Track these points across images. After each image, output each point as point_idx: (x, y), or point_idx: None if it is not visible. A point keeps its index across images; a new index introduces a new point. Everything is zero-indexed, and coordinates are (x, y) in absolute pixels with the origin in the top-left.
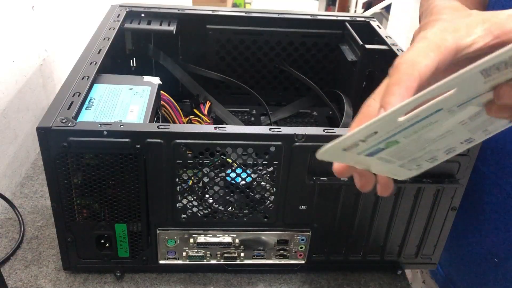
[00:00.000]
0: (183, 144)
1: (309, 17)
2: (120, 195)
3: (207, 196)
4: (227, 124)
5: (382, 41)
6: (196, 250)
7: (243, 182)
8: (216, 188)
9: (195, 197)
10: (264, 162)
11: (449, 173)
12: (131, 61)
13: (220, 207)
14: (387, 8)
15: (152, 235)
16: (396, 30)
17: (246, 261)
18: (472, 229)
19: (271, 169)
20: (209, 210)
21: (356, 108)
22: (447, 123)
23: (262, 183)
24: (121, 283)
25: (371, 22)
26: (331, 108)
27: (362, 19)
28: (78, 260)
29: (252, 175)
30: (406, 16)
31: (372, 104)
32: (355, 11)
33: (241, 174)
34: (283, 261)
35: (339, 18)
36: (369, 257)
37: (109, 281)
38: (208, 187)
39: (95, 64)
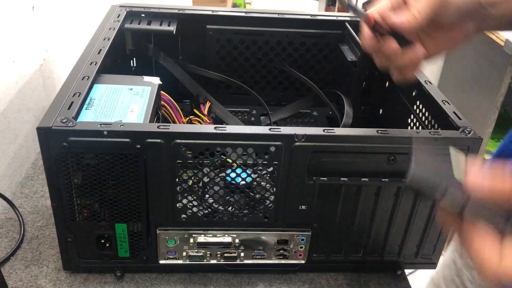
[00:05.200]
0: (183, 144)
1: (309, 17)
2: (120, 195)
3: (207, 196)
4: (227, 124)
5: None
6: (196, 250)
7: (243, 182)
8: (216, 188)
9: (195, 197)
10: (264, 162)
11: None
12: (131, 61)
13: (220, 207)
14: None
15: (152, 235)
16: None
17: (246, 261)
18: None
19: (271, 169)
20: (209, 210)
21: (356, 108)
22: None
23: (262, 183)
24: (121, 283)
25: None
26: (331, 108)
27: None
28: (78, 260)
29: (252, 175)
30: None
31: None
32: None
33: (241, 174)
34: (283, 261)
35: (339, 18)
36: (369, 257)
37: (109, 281)
38: (208, 187)
39: (95, 64)
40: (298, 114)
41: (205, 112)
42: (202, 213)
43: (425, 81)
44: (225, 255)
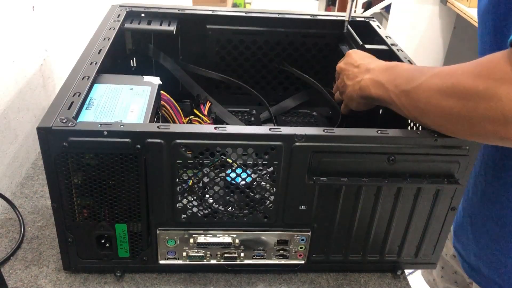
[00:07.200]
0: (183, 144)
1: (309, 17)
2: (120, 195)
3: (207, 196)
4: (227, 124)
5: (382, 41)
6: (196, 250)
7: (243, 182)
8: (216, 188)
9: (195, 197)
10: (264, 162)
11: (448, 173)
12: (131, 61)
13: (220, 207)
14: (387, 8)
15: (152, 235)
16: (396, 30)
17: (246, 261)
18: None
19: (271, 169)
20: (209, 210)
21: None
22: None
23: (262, 183)
24: (121, 283)
25: (371, 22)
26: (332, 106)
27: (362, 19)
28: (78, 260)
29: (252, 175)
30: (406, 16)
31: None
32: (355, 11)
33: (241, 174)
34: (283, 261)
35: (339, 18)
36: (369, 257)
37: (109, 281)
38: (208, 187)
39: (95, 64)
40: (298, 114)
41: (205, 112)
42: (202, 213)
43: None
44: (225, 255)
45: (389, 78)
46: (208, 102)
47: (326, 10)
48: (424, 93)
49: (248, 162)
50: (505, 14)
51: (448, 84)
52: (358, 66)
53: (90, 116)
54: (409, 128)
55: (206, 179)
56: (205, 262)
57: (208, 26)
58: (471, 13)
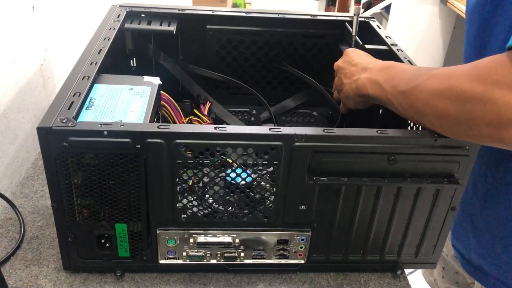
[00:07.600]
0: (183, 144)
1: (309, 17)
2: (120, 195)
3: (207, 196)
4: (227, 124)
5: (382, 41)
6: (196, 250)
7: (243, 182)
8: (216, 188)
9: (195, 197)
10: (264, 162)
11: (448, 173)
12: (131, 61)
13: (220, 207)
14: (387, 8)
15: (152, 235)
16: (396, 30)
17: (246, 261)
18: None
19: (271, 169)
20: (209, 210)
21: None
22: None
23: (262, 183)
24: (121, 283)
25: (371, 22)
26: (332, 106)
27: (362, 19)
28: (78, 260)
29: (252, 175)
30: (406, 16)
31: None
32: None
33: (241, 174)
34: (283, 261)
35: (339, 18)
36: (369, 257)
37: (109, 281)
38: (208, 187)
39: (96, 64)
40: (298, 114)
41: (205, 112)
42: (202, 213)
43: None
44: (225, 255)
45: (387, 78)
46: (208, 102)
47: (326, 10)
48: (422, 94)
49: (248, 162)
50: (492, 11)
51: (445, 86)
52: (356, 65)
53: (90, 116)
54: (409, 128)
55: (206, 179)
56: (205, 261)
57: (208, 26)
58: None
